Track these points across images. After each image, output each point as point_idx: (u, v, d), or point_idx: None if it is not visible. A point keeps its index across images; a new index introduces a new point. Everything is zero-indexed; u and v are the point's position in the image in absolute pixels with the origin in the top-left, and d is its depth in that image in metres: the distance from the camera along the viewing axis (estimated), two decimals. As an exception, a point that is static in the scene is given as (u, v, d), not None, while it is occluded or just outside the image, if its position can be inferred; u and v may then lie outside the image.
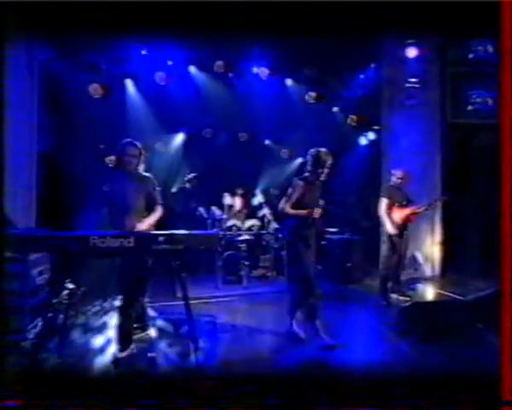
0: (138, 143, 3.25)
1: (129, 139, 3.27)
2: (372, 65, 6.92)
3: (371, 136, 7.94)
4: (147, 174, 3.36)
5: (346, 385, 2.65)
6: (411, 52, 6.71)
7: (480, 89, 6.80)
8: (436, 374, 2.86)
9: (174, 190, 7.25)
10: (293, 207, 3.57)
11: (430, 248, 6.79)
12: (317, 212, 3.52)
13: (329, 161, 3.59)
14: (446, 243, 6.76)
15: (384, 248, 5.08)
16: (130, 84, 6.25)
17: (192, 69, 6.24)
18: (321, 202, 3.59)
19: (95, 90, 5.50)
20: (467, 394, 2.44)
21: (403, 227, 4.88)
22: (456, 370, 2.96)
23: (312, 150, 3.67)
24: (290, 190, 3.65)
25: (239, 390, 2.45)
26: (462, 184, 6.86)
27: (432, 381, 2.65)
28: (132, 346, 3.14)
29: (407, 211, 4.86)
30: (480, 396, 2.31)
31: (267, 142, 7.74)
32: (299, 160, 8.19)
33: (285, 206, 3.59)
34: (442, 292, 5.55)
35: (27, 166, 4.66)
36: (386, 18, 5.19)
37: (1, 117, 3.04)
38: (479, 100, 6.72)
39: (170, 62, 5.93)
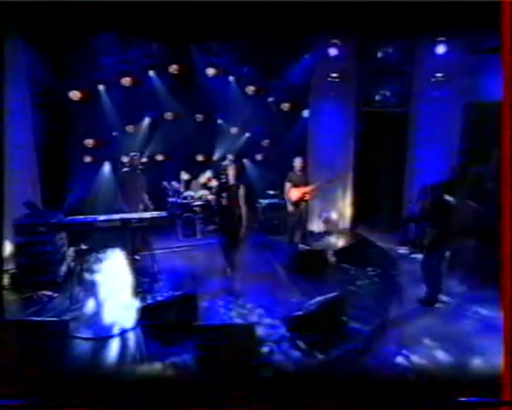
0: (137, 154, 6.06)
1: (134, 153, 6.06)
2: (300, 60, 8.54)
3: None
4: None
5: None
6: (333, 51, 8.38)
7: (385, 82, 8.66)
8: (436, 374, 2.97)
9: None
10: None
11: (343, 209, 9.03)
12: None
13: None
14: (356, 205, 8.97)
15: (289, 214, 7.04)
16: (102, 89, 7.84)
17: (151, 73, 7.84)
18: None
19: (75, 94, 7.15)
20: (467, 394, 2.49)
21: (300, 201, 6.82)
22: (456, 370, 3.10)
23: None
24: None
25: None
26: (370, 159, 8.91)
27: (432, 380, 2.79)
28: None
29: (303, 190, 6.85)
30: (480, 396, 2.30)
31: (219, 121, 9.42)
32: (247, 134, 9.93)
33: None
34: (342, 243, 7.76)
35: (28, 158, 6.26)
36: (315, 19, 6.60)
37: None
38: (382, 92, 8.62)
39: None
